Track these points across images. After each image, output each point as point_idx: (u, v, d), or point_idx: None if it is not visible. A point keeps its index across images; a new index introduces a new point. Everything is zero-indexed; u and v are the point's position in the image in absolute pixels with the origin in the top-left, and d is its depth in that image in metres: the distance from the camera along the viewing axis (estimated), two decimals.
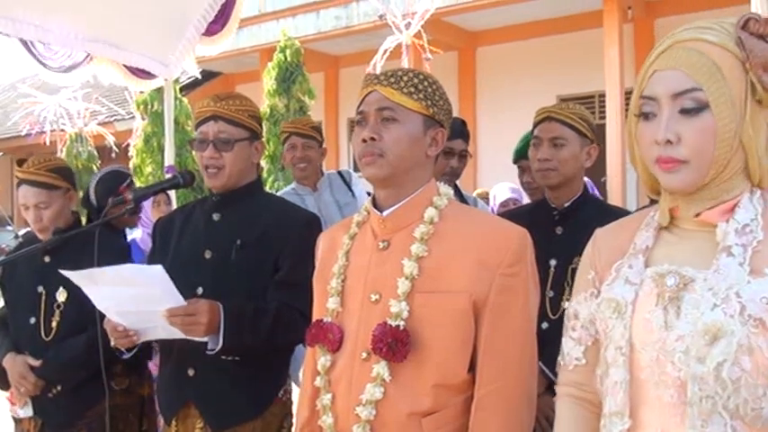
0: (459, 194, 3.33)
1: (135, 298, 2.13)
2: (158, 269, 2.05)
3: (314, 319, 1.82)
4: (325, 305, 1.78)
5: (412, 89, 1.69)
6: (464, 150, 3.13)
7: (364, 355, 1.65)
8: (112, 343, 2.28)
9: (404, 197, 1.72)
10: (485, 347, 1.63)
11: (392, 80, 1.70)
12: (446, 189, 1.78)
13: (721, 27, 1.30)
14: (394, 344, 1.59)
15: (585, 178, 4.39)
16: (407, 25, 8.49)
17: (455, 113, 1.86)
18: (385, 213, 1.73)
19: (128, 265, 2.52)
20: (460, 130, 3.12)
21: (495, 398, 1.62)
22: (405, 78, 1.70)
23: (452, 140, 3.03)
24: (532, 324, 1.68)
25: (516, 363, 1.63)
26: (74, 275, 2.18)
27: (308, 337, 1.77)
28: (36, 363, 2.71)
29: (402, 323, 1.61)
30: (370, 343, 1.62)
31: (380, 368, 1.62)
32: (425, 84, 1.72)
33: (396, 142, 1.67)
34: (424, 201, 1.73)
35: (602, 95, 10.29)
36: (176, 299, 2.10)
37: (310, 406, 1.82)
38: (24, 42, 3.69)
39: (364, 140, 1.68)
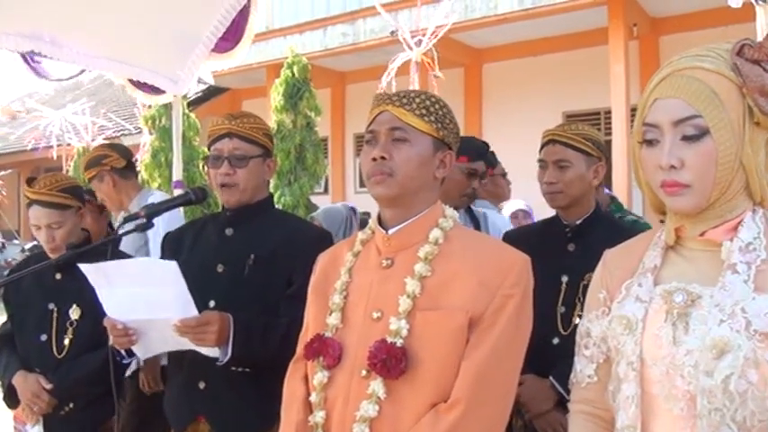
0: (470, 212, 3.32)
1: (147, 302, 2.13)
2: (173, 264, 2.07)
3: (309, 332, 1.82)
4: (323, 319, 1.78)
5: (423, 111, 1.72)
6: (485, 172, 3.13)
7: (364, 372, 1.65)
8: (110, 342, 2.26)
9: (410, 217, 1.74)
10: (465, 357, 1.60)
11: (404, 101, 1.72)
12: (452, 212, 1.80)
13: (717, 54, 1.35)
14: (389, 360, 1.59)
15: (613, 192, 4.34)
16: (418, 42, 8.53)
17: (461, 130, 1.88)
18: (390, 232, 1.75)
19: (143, 258, 2.52)
20: (483, 152, 3.12)
21: (460, 413, 1.57)
22: (417, 100, 1.73)
23: (476, 162, 3.03)
24: (516, 344, 1.65)
25: (489, 378, 1.60)
26: (88, 268, 2.17)
27: (309, 351, 1.75)
28: (48, 386, 2.69)
29: (400, 341, 1.61)
30: (367, 359, 1.63)
31: (376, 385, 1.61)
32: (436, 107, 1.74)
33: (406, 162, 1.69)
34: (430, 222, 1.74)
35: (608, 112, 10.32)
36: (187, 302, 2.11)
37: (304, 408, 1.77)
38: (23, 56, 3.72)
39: (374, 159, 1.70)
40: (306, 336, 1.84)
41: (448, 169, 1.78)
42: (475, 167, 3.03)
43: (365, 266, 1.78)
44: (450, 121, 1.77)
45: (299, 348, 1.86)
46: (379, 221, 1.79)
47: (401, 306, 1.64)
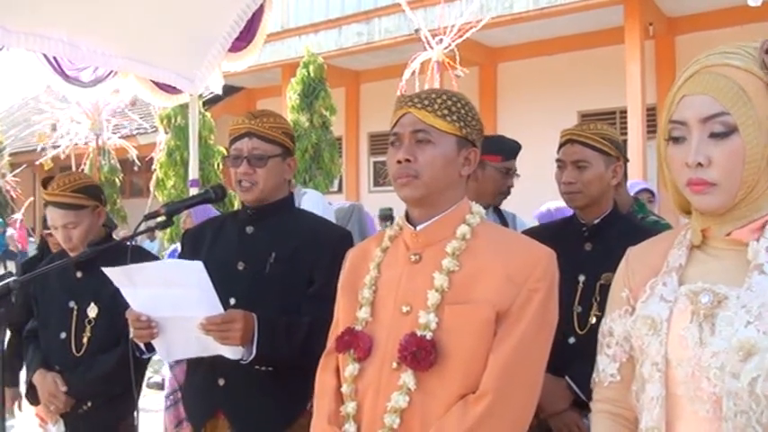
0: (498, 212, 3.39)
1: (172, 302, 2.14)
2: (198, 265, 2.07)
3: (339, 326, 1.85)
4: (353, 313, 1.81)
5: (446, 111, 1.74)
6: (515, 170, 3.23)
7: (395, 365, 1.68)
8: (131, 335, 2.27)
9: (437, 214, 1.77)
10: (492, 350, 1.63)
11: (426, 102, 1.75)
12: (478, 208, 1.82)
13: (746, 51, 1.34)
14: (418, 353, 1.62)
15: (649, 185, 4.32)
16: (439, 41, 8.55)
17: None
18: (418, 228, 1.77)
19: (167, 260, 2.52)
20: (516, 151, 3.24)
21: (487, 404, 1.60)
22: (438, 101, 1.75)
23: (511, 161, 3.15)
24: (541, 337, 1.68)
25: (516, 371, 1.63)
26: (112, 272, 2.18)
27: (340, 344, 1.79)
28: (64, 387, 2.71)
29: (430, 334, 1.65)
30: (397, 352, 1.66)
31: (407, 377, 1.65)
32: (459, 105, 1.76)
33: (430, 164, 1.72)
34: (457, 218, 1.77)
35: (624, 111, 10.28)
36: (214, 302, 2.12)
37: (336, 399, 1.81)
38: (47, 57, 3.74)
39: (399, 162, 1.73)
40: (336, 329, 1.87)
41: (473, 166, 1.80)
42: (510, 166, 3.15)
43: (394, 262, 1.81)
44: (473, 118, 1.79)
45: (330, 342, 1.89)
46: (407, 218, 1.82)
47: (430, 300, 1.67)
